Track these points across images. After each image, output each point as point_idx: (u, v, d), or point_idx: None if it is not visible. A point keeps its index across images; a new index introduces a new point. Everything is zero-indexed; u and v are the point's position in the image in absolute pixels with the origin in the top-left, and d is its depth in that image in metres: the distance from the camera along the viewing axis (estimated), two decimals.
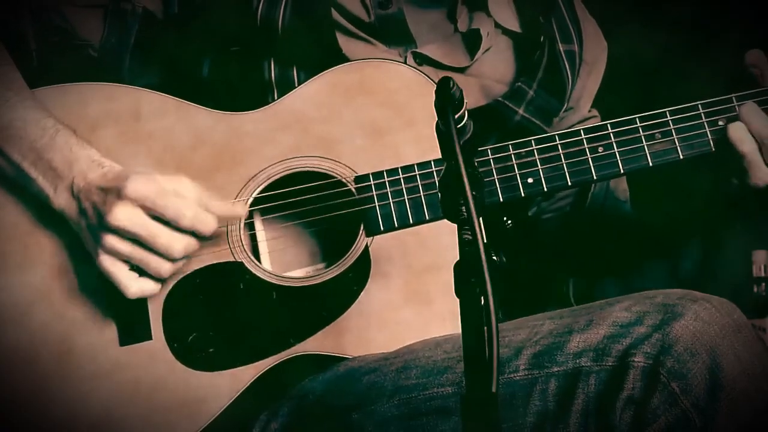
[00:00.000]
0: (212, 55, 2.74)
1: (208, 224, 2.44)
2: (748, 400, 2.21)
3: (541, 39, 2.75)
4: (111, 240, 2.41)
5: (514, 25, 2.78)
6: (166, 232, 2.42)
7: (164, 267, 2.43)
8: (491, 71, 2.77)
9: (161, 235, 2.41)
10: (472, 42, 2.75)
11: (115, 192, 2.39)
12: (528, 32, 2.77)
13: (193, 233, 2.44)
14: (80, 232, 2.45)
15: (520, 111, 2.72)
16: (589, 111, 2.89)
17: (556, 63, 2.75)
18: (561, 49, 2.76)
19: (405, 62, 2.72)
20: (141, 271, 2.44)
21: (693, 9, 3.20)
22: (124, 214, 2.39)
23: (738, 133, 2.47)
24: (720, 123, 2.51)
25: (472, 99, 2.72)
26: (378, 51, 2.72)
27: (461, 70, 2.76)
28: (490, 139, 2.66)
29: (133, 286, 2.44)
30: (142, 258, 2.41)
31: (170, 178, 2.43)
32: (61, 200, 2.45)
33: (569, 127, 2.77)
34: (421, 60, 2.74)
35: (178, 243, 2.42)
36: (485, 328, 1.81)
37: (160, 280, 2.46)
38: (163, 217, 2.41)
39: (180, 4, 2.73)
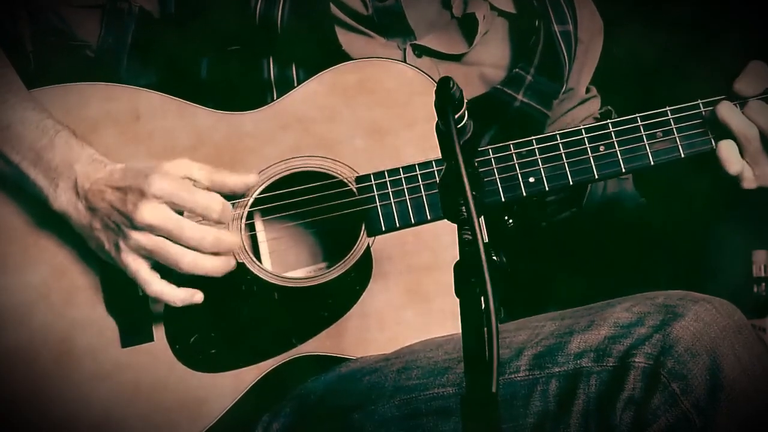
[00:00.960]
0: (210, 54, 2.73)
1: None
2: (748, 401, 2.21)
3: (537, 23, 2.75)
4: (137, 236, 2.40)
5: (509, 6, 2.78)
6: (195, 225, 2.42)
7: (186, 258, 2.42)
8: (489, 57, 2.77)
9: (190, 228, 2.41)
10: (468, 27, 2.75)
11: (136, 191, 2.39)
12: (523, 13, 2.77)
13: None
14: (89, 232, 2.44)
15: (519, 96, 2.72)
16: (588, 92, 2.89)
17: (552, 45, 2.74)
18: (556, 30, 2.75)
19: (404, 54, 2.72)
20: (164, 274, 2.44)
21: (693, 9, 3.20)
22: (150, 212, 2.39)
23: (726, 153, 2.48)
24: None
25: (472, 88, 2.72)
26: (377, 44, 2.72)
27: (460, 58, 2.75)
28: (491, 128, 2.66)
29: (155, 283, 2.43)
30: (163, 249, 2.41)
31: (176, 164, 2.43)
32: (63, 201, 2.44)
33: (569, 111, 2.78)
34: (420, 51, 2.74)
35: (209, 234, 2.43)
36: (485, 328, 1.81)
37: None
38: (193, 212, 2.42)
39: (177, 3, 2.73)
